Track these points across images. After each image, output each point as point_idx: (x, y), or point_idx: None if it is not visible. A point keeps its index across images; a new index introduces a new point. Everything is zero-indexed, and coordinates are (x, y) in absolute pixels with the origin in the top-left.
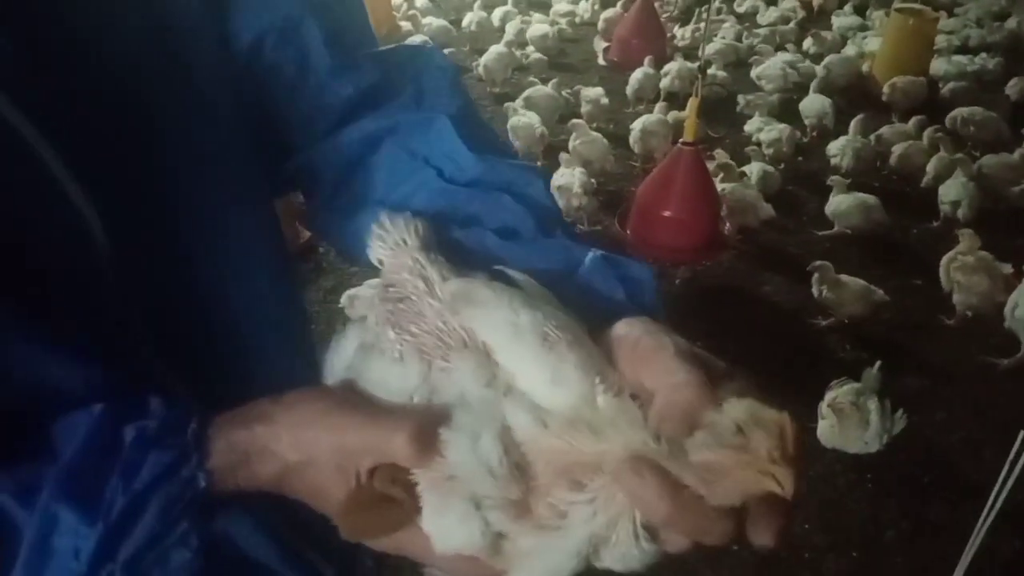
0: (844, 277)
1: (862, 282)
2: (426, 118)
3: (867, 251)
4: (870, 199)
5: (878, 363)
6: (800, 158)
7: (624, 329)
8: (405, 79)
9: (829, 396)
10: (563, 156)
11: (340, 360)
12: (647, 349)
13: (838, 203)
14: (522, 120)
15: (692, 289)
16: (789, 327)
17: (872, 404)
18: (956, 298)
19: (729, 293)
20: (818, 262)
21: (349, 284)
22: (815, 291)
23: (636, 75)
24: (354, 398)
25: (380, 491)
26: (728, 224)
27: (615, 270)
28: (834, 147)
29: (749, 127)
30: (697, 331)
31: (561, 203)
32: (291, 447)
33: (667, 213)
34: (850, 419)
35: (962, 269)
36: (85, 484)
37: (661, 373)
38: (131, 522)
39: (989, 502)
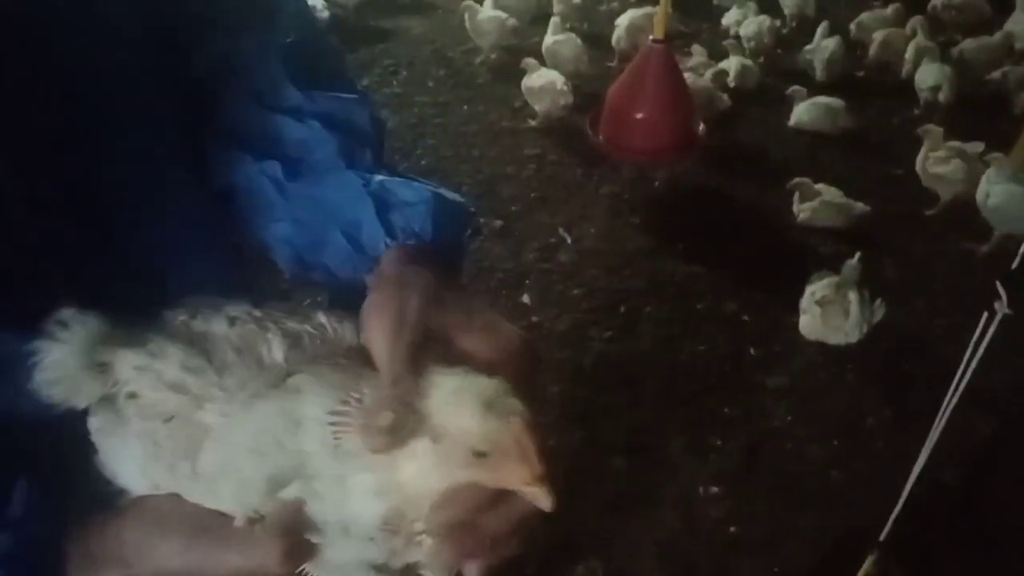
0: (824, 191)
1: (841, 198)
2: (263, 43)
3: (847, 144)
4: (835, 103)
5: (857, 255)
6: (780, 50)
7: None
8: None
9: (809, 290)
10: (529, 61)
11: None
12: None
13: (800, 113)
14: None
15: (671, 191)
16: (769, 224)
17: (852, 295)
18: (936, 190)
19: (708, 193)
20: (797, 179)
21: None
22: (795, 209)
23: None
24: (199, 521)
25: None
26: (703, 125)
27: (393, 195)
28: (805, 55)
29: (727, 20)
30: (677, 233)
31: (544, 105)
32: None
33: (639, 115)
34: (831, 310)
35: (936, 162)
36: None
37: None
38: None
39: (954, 383)
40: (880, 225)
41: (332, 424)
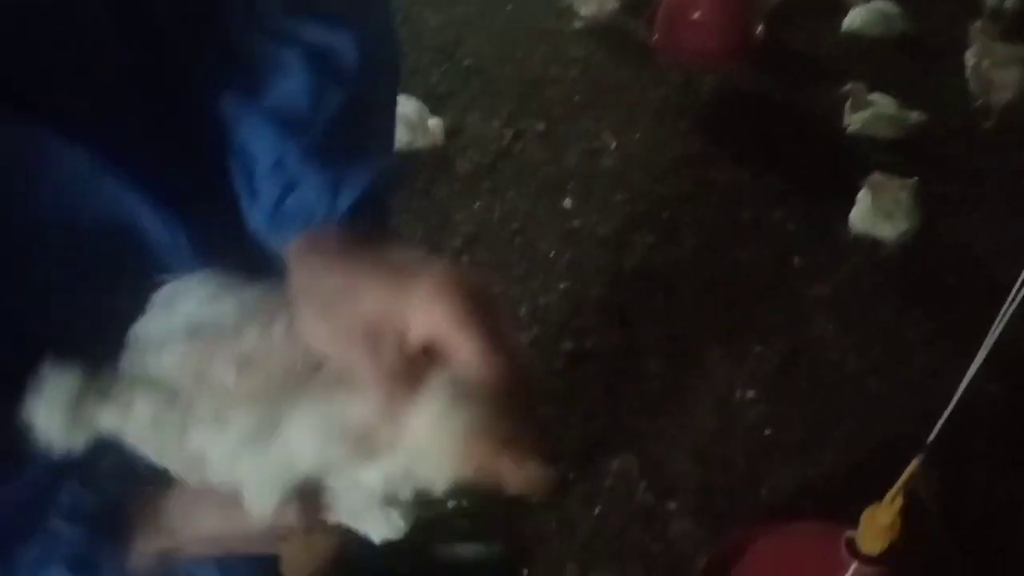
0: (877, 100)
1: (894, 108)
2: None
3: (905, 51)
4: (891, 8)
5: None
6: None
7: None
8: None
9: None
10: None
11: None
12: None
13: (855, 17)
14: None
15: (722, 96)
16: (819, 132)
17: (910, 182)
18: (991, 98)
19: (757, 99)
20: (850, 84)
21: None
22: (846, 119)
23: None
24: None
25: (306, 541)
26: (761, 27)
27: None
28: None
29: None
30: (724, 139)
31: (589, 9)
32: (205, 546)
33: (696, 15)
34: (886, 195)
35: (988, 69)
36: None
37: None
38: None
39: (1011, 296)
40: (935, 135)
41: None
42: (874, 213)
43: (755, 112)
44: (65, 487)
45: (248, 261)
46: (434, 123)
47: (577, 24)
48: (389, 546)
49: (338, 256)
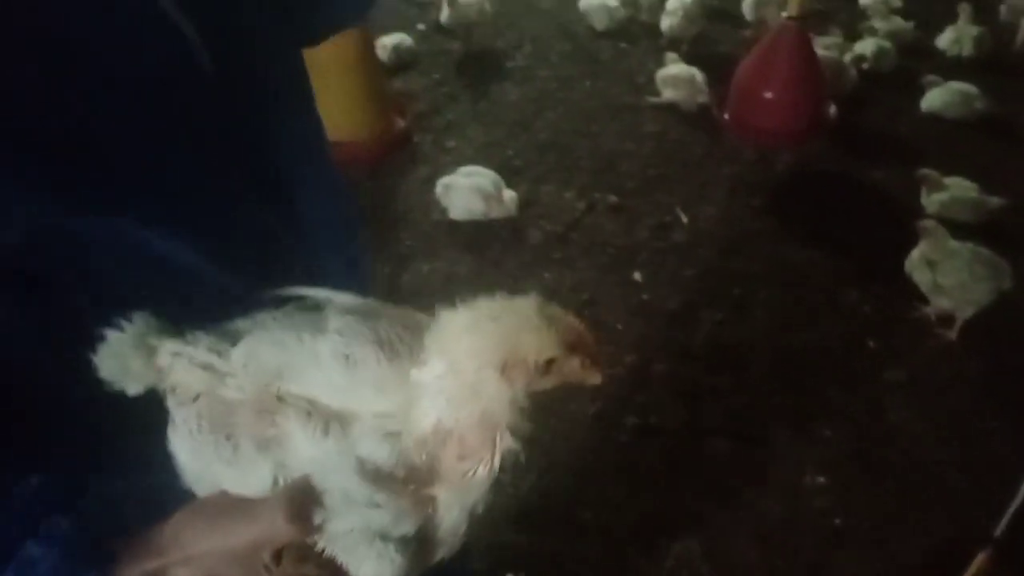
0: (955, 184)
1: (973, 192)
2: None
3: (985, 133)
4: (970, 89)
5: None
6: (919, 32)
7: None
8: None
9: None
10: (669, 55)
11: (191, 469)
12: None
13: (933, 97)
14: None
15: (795, 173)
16: (896, 213)
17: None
18: None
19: (833, 177)
20: (924, 170)
21: (443, 173)
22: (923, 200)
23: None
24: (229, 503)
25: (294, 571)
26: (834, 106)
27: None
28: (945, 39)
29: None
30: (798, 217)
31: (678, 96)
32: (190, 571)
33: (768, 95)
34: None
35: None
36: None
37: None
38: None
39: None
40: (1016, 220)
41: None
42: (952, 297)
43: (829, 191)
44: (45, 517)
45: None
46: (509, 194)
47: (653, 100)
48: None
49: None
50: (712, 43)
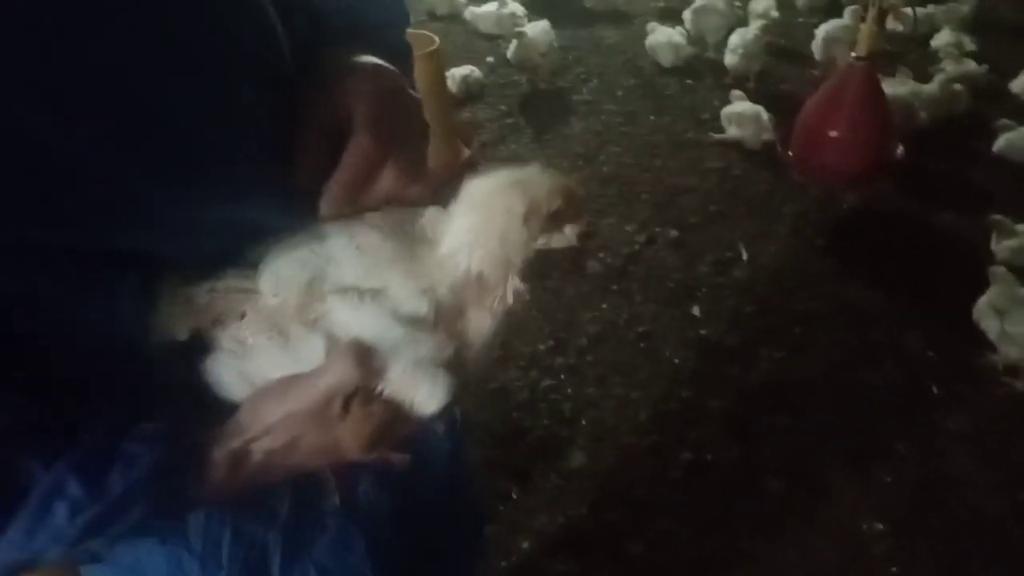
0: None
1: None
2: None
3: None
4: None
5: None
6: (993, 73)
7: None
8: None
9: None
10: (735, 92)
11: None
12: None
13: (1006, 141)
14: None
15: (860, 214)
16: (964, 258)
17: None
18: None
19: (899, 219)
20: (995, 216)
21: None
22: (993, 247)
23: None
24: (293, 377)
25: (364, 413)
26: (902, 148)
27: None
28: (1019, 83)
29: (936, 42)
30: (862, 258)
31: (743, 134)
32: (273, 439)
33: (834, 134)
34: None
35: None
36: (94, 465)
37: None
38: (124, 509)
39: None
40: None
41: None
42: (1020, 346)
43: (895, 233)
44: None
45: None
46: (570, 225)
47: (717, 136)
48: None
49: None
50: (778, 81)
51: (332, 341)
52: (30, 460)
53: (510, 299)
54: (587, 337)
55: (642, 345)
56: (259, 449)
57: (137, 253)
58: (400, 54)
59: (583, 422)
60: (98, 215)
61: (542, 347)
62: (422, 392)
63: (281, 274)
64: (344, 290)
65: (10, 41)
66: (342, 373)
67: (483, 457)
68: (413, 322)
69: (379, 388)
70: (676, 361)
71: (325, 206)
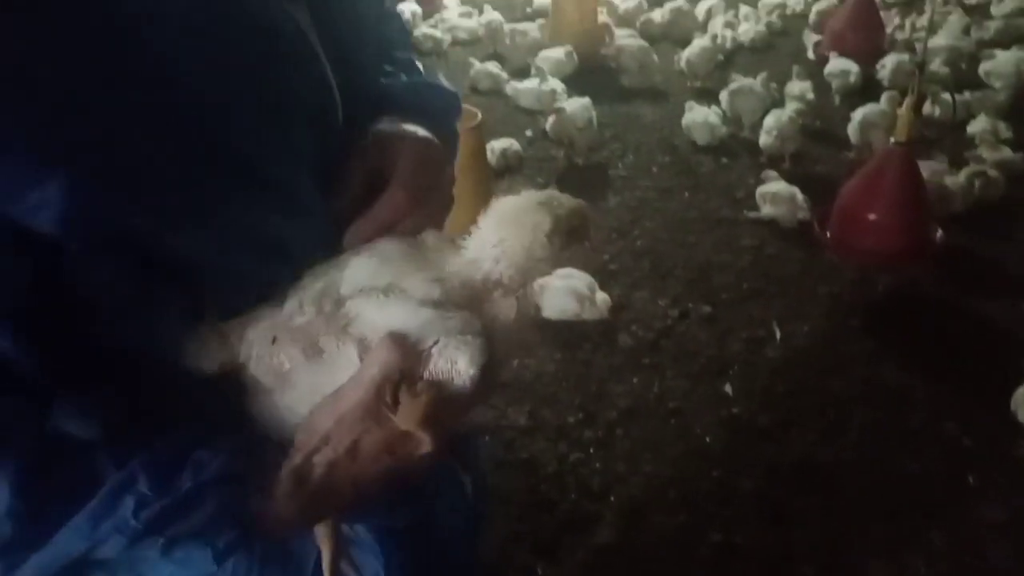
0: None
1: None
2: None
3: None
4: None
5: None
6: None
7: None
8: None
9: None
10: (769, 173)
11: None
12: None
13: None
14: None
15: (896, 296)
16: (1002, 345)
17: None
18: None
19: (936, 303)
20: None
21: None
22: None
23: (837, 67)
24: (336, 390)
25: (414, 395)
26: (940, 232)
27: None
28: None
29: (972, 128)
30: (898, 341)
31: (777, 213)
32: (333, 447)
33: (872, 216)
34: None
35: None
36: (166, 466)
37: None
38: (187, 509)
39: None
40: None
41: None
42: None
43: (931, 317)
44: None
45: None
46: (602, 297)
47: (752, 214)
48: None
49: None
50: (812, 162)
51: (364, 345)
52: (105, 459)
53: (528, 302)
54: (617, 411)
55: (673, 421)
56: (321, 462)
57: (191, 264)
58: (449, 136)
59: (611, 498)
60: (174, 217)
61: (571, 419)
62: (461, 360)
63: (300, 290)
64: (363, 290)
65: (130, 76)
66: (384, 362)
67: (508, 530)
68: (435, 304)
69: (421, 369)
70: (707, 439)
71: (350, 237)
